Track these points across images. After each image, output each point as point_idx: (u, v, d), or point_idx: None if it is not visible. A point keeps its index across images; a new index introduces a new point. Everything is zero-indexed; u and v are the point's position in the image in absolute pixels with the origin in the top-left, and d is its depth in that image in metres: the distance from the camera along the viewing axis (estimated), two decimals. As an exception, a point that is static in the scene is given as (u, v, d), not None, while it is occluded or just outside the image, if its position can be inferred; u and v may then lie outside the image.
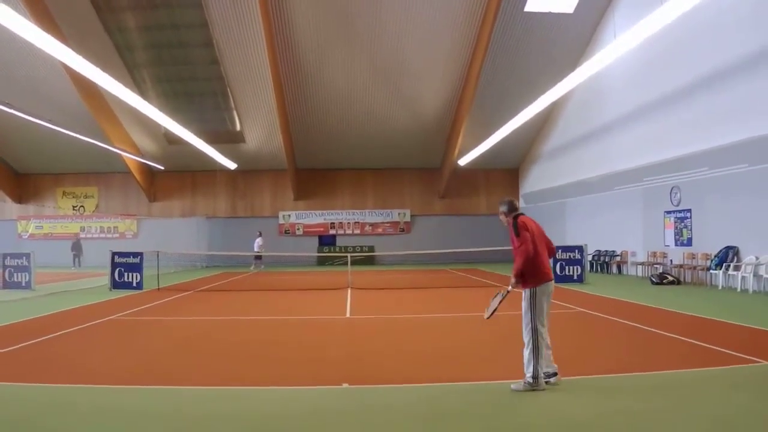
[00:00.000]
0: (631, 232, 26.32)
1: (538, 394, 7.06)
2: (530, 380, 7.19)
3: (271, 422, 6.40)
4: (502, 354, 9.54)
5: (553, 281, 7.59)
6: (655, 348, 9.90)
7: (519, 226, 7.50)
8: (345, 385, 7.66)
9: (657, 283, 21.44)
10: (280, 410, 6.80)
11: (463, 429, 6.06)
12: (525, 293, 7.49)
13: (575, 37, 28.73)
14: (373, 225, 41.58)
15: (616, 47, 17.26)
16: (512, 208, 7.75)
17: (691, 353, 9.37)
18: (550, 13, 26.68)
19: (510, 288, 7.57)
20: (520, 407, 6.74)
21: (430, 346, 10.40)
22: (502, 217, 7.86)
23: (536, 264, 7.44)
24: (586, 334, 11.64)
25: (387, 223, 41.59)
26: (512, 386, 7.29)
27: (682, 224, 22.62)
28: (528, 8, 26.23)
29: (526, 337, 7.36)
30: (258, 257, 34.44)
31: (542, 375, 7.24)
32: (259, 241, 34.72)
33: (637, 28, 15.69)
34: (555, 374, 7.42)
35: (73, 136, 27.39)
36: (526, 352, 7.31)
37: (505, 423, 6.31)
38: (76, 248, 37.72)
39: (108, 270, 21.87)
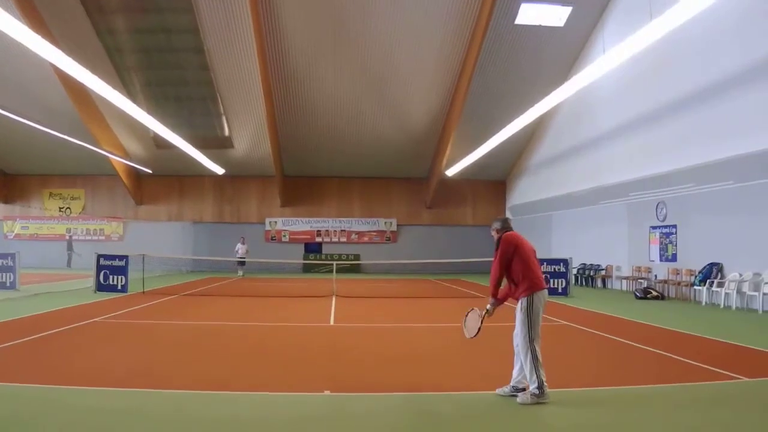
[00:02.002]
0: (616, 247, 26.44)
1: (525, 407, 7.08)
2: (536, 391, 7.16)
3: (252, 427, 6.42)
4: (484, 364, 9.60)
5: (546, 290, 7.60)
6: (636, 362, 9.97)
7: (501, 239, 7.63)
8: (327, 392, 7.69)
9: (641, 298, 21.51)
10: (261, 415, 6.84)
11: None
12: (521, 303, 7.48)
13: (565, 51, 28.90)
14: (360, 233, 41.58)
15: (605, 62, 17.36)
16: (505, 227, 7.85)
17: (673, 368, 9.42)
18: (540, 27, 26.82)
19: (489, 308, 7.69)
20: (500, 417, 6.80)
21: (412, 355, 10.43)
22: (493, 233, 7.89)
23: (528, 273, 7.48)
24: (569, 347, 11.68)
25: (373, 231, 41.62)
26: (518, 399, 7.25)
27: (668, 239, 22.75)
28: (519, 21, 26.35)
29: (523, 349, 7.32)
30: (241, 263, 34.37)
31: (545, 383, 7.19)
32: (239, 246, 34.67)
33: (625, 43, 15.80)
34: (524, 389, 7.38)
35: (61, 138, 27.35)
36: (527, 364, 7.25)
37: (485, 432, 6.35)
38: (70, 248, 37.85)
39: (93, 272, 21.82)
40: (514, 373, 7.52)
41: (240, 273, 35.03)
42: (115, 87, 20.64)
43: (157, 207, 41.13)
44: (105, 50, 28.86)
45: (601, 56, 17.57)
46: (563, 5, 25.75)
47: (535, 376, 7.17)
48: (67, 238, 39.65)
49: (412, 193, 41.55)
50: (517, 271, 7.52)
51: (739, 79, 18.77)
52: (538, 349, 7.27)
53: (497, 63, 29.04)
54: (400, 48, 28.59)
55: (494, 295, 7.72)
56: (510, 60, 29.05)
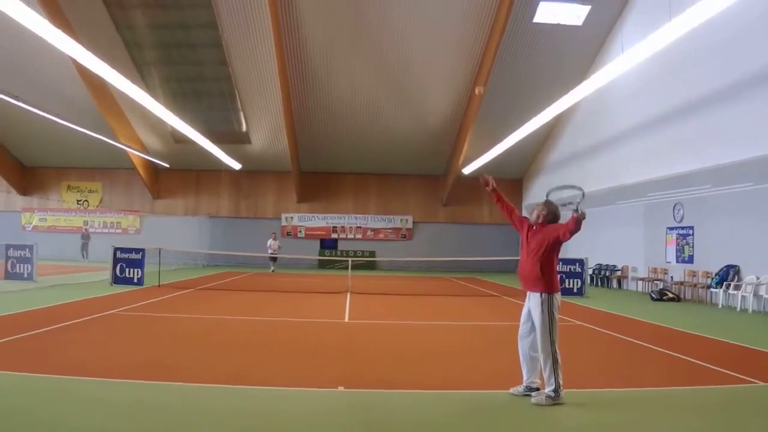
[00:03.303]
0: (632, 247, 26.31)
1: (531, 406, 7.08)
2: (551, 394, 7.12)
3: (267, 422, 6.43)
4: (498, 362, 9.58)
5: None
6: (650, 364, 9.92)
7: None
8: (341, 389, 7.70)
9: (657, 300, 21.37)
10: (274, 410, 6.86)
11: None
12: (541, 300, 7.32)
13: (583, 50, 28.74)
14: (375, 230, 41.58)
15: (624, 61, 17.28)
16: (553, 219, 7.70)
17: (687, 370, 9.38)
18: (558, 25, 26.68)
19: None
20: (516, 417, 6.79)
21: (426, 353, 10.43)
22: (540, 215, 7.70)
23: (554, 272, 7.47)
24: (583, 347, 11.63)
25: (389, 228, 41.59)
26: (533, 399, 7.21)
27: (684, 241, 22.64)
28: (537, 19, 26.25)
29: (544, 351, 7.24)
30: (273, 258, 34.47)
31: (562, 386, 7.16)
32: (270, 242, 34.78)
33: (644, 42, 15.72)
34: (538, 389, 7.40)
35: (80, 131, 27.46)
36: (546, 367, 7.19)
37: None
38: (85, 239, 38.10)
39: (110, 265, 21.93)
40: (525, 373, 7.50)
41: (271, 269, 34.94)
42: (134, 81, 20.74)
43: (174, 201, 41.32)
44: (124, 45, 29.02)
45: (620, 55, 17.50)
46: (582, 4, 25.58)
47: (553, 378, 7.13)
48: (84, 231, 39.81)
49: (428, 191, 41.49)
50: (551, 263, 7.45)
51: (758, 79, 18.56)
52: (558, 351, 7.23)
53: (515, 61, 28.95)
54: (418, 44, 28.54)
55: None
56: (528, 58, 28.95)
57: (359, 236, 41.54)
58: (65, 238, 39.62)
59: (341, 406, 7.14)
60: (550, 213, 7.67)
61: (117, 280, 21.63)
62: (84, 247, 38.68)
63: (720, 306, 19.32)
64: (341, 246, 41.43)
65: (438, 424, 6.53)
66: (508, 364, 8.55)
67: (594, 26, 27.01)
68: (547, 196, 7.86)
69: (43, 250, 23.92)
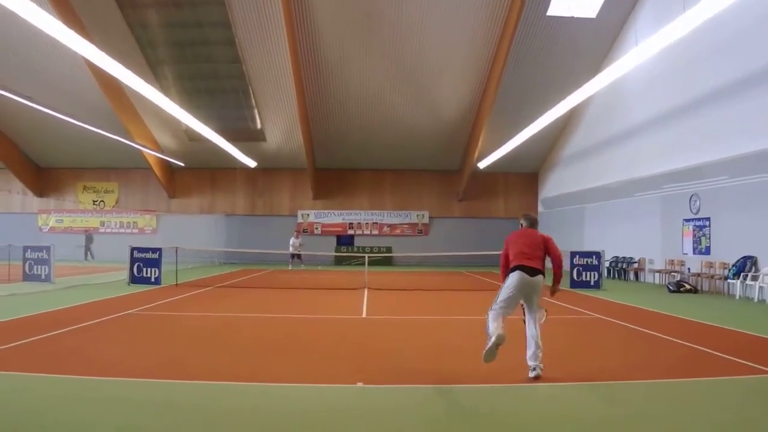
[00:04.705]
0: (649, 239, 26.16)
1: (555, 399, 7.13)
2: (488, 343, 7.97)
3: (286, 419, 6.41)
4: (517, 355, 9.54)
5: (525, 273, 8.34)
6: (668, 356, 9.84)
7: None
8: (359, 384, 7.68)
9: (674, 291, 21.27)
10: (295, 407, 6.82)
11: (475, 428, 6.08)
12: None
13: (597, 42, 28.62)
14: (391, 226, 41.58)
15: (638, 53, 17.18)
16: (527, 223, 9.23)
17: (705, 362, 9.31)
18: (572, 18, 26.56)
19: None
20: (534, 410, 6.76)
21: (445, 347, 10.41)
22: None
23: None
24: (600, 340, 11.61)
25: (405, 224, 41.59)
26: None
27: (701, 232, 22.49)
28: (550, 12, 26.16)
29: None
30: (295, 256, 34.52)
31: (491, 338, 7.90)
32: (292, 240, 34.81)
33: (659, 34, 15.62)
34: (534, 369, 8.02)
35: (94, 132, 27.61)
36: None
37: (516, 424, 6.30)
38: (88, 241, 38.11)
39: (127, 265, 22.00)
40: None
41: (298, 266, 34.84)
42: (147, 81, 20.81)
43: (190, 200, 41.47)
44: (137, 44, 29.11)
45: (634, 48, 17.39)
46: (595, -4, 25.57)
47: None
48: (88, 231, 39.81)
49: (443, 186, 41.44)
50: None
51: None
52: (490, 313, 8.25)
53: (529, 54, 28.84)
54: (432, 39, 28.49)
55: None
56: (542, 51, 28.84)
57: (375, 232, 41.54)
58: (82, 239, 39.70)
59: (360, 401, 7.12)
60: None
61: (134, 279, 21.67)
62: (88, 248, 38.66)
63: (737, 297, 19.16)
64: (358, 242, 41.48)
65: (459, 418, 6.50)
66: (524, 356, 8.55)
67: (608, 19, 26.89)
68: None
69: (60, 251, 24.03)
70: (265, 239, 36.95)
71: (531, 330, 8.22)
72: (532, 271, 8.26)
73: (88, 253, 38.29)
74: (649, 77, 25.20)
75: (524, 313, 8.52)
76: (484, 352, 7.81)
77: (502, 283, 8.51)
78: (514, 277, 8.30)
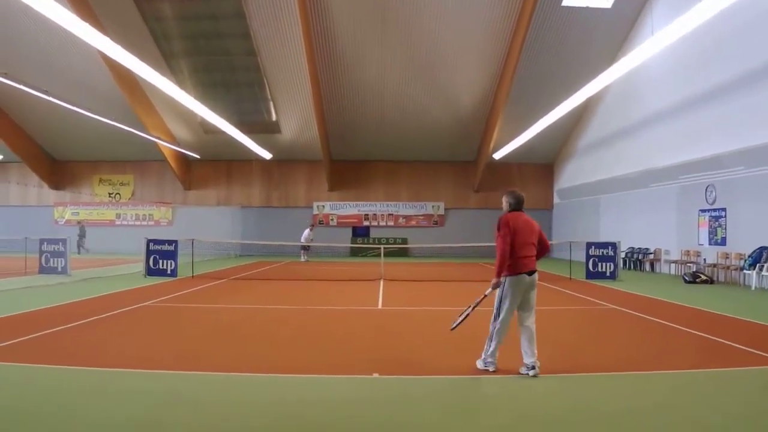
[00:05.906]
0: (665, 230, 26.02)
1: (573, 391, 7.11)
2: (481, 364, 7.88)
3: (303, 409, 6.41)
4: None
5: (528, 275, 7.72)
6: (684, 346, 9.80)
7: (500, 222, 7.83)
8: (375, 375, 7.67)
9: (690, 282, 21.16)
10: (312, 398, 6.82)
11: (493, 420, 6.08)
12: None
13: (612, 33, 28.42)
14: (407, 217, 41.57)
15: (654, 44, 17.07)
16: (516, 204, 8.05)
17: (721, 353, 9.23)
18: (587, 8, 26.37)
19: (488, 292, 7.99)
20: (549, 400, 6.73)
21: (460, 338, 10.37)
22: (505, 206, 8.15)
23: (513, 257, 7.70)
24: (616, 331, 11.53)
25: (421, 215, 41.56)
26: (478, 363, 7.93)
27: (717, 223, 22.35)
28: (566, 2, 25.96)
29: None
30: (304, 248, 34.59)
31: (490, 359, 7.78)
32: (305, 232, 34.87)
33: (674, 24, 15.52)
34: (534, 368, 7.56)
35: (110, 124, 27.72)
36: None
37: (534, 415, 6.26)
38: (81, 233, 37.90)
39: (143, 257, 22.07)
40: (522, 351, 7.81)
41: (304, 258, 34.88)
42: (162, 73, 20.83)
43: (206, 192, 41.59)
44: (152, 37, 29.17)
45: (650, 38, 17.28)
46: (611, -15, 25.40)
47: (486, 347, 7.89)
48: (80, 224, 39.53)
49: (459, 177, 41.37)
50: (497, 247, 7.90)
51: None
52: (501, 326, 7.80)
53: (544, 45, 28.67)
54: (447, 30, 28.37)
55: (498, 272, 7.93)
56: (557, 42, 28.67)
57: (391, 223, 41.55)
58: (98, 231, 39.85)
59: (376, 392, 7.12)
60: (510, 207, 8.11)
61: (150, 271, 21.73)
62: (80, 241, 37.93)
63: (753, 288, 19.03)
64: (373, 233, 41.53)
65: (475, 408, 6.49)
66: (548, 349, 8.52)
67: (623, 8, 26.70)
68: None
69: (75, 244, 24.09)
70: (282, 231, 37.00)
71: (530, 328, 7.75)
72: (533, 270, 7.79)
73: (81, 246, 37.74)
74: (665, 67, 25.03)
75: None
76: (478, 364, 7.91)
77: (496, 278, 7.74)
78: (520, 283, 7.69)
